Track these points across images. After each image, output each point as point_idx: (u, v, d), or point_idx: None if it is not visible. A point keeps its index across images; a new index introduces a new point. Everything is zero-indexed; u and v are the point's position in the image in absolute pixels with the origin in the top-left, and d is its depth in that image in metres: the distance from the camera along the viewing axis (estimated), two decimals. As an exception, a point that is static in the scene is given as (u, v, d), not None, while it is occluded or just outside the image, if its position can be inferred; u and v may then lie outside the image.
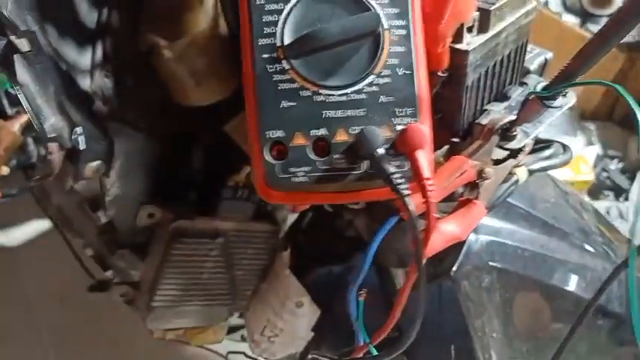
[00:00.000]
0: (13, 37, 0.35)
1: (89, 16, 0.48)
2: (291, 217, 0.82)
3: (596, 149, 1.82)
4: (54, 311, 1.22)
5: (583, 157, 1.65)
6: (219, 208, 0.68)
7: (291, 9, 0.35)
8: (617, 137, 1.91)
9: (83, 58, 0.47)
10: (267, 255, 0.77)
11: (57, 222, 0.66)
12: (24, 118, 1.21)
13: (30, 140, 1.24)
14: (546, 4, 2.22)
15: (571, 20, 2.17)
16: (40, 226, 1.28)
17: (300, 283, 0.76)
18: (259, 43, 0.35)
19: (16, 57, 0.35)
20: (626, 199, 1.76)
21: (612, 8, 2.16)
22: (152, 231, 0.67)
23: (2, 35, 0.35)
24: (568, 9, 2.27)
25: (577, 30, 2.06)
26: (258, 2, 0.35)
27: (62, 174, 0.42)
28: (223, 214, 0.68)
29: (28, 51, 0.34)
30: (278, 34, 0.35)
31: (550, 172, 0.63)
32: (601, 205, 1.73)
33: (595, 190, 1.76)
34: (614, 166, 1.83)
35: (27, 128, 1.19)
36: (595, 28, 2.10)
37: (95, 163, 0.41)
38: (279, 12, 0.35)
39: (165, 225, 0.66)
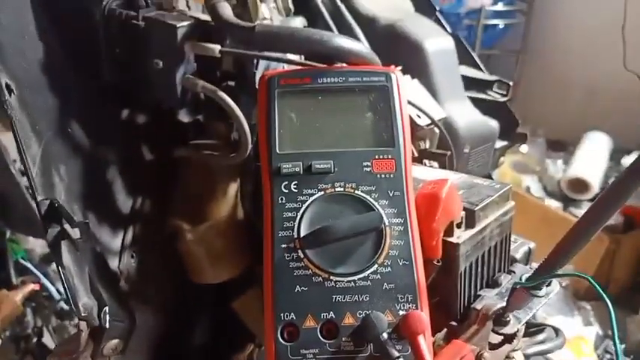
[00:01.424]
0: (67, 226, 0.40)
1: (125, 204, 0.55)
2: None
3: (596, 329, 1.80)
4: None
5: (583, 337, 1.63)
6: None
7: (307, 207, 0.42)
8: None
9: (115, 241, 0.52)
10: None
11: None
12: (28, 289, 1.21)
13: (29, 310, 1.23)
14: (528, 189, 2.40)
15: (553, 204, 2.32)
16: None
17: None
18: (279, 235, 0.41)
19: (64, 243, 0.40)
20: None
21: (591, 194, 2.34)
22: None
23: (57, 224, 0.41)
24: (549, 194, 2.45)
25: (560, 213, 2.20)
26: (279, 202, 0.42)
27: (79, 351, 0.44)
28: (224, 393, 0.67)
29: (78, 239, 0.40)
30: (295, 228, 0.41)
31: (550, 355, 0.64)
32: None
33: (601, 375, 1.69)
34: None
35: (28, 298, 1.18)
36: (577, 211, 2.24)
37: (115, 342, 0.43)
38: (297, 210, 0.41)
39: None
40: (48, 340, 1.19)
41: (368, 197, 0.42)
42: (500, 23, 2.86)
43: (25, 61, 0.44)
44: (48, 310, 1.19)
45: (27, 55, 0.45)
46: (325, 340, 0.38)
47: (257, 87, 0.47)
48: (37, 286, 1.13)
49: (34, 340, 1.17)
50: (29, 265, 1.22)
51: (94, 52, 0.51)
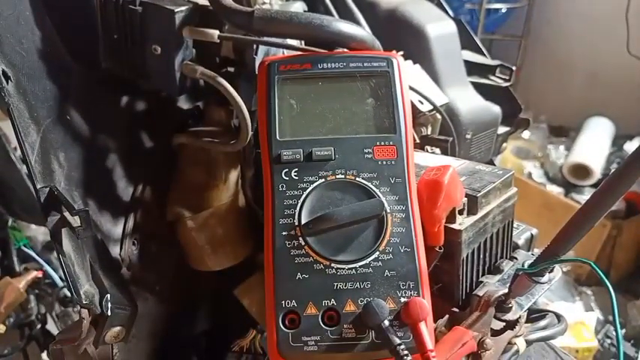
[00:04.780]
0: (66, 214, 0.40)
1: (125, 192, 0.55)
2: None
3: (597, 314, 1.81)
4: None
5: (584, 322, 1.64)
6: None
7: (307, 194, 0.41)
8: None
9: (116, 229, 0.52)
10: None
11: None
12: (31, 276, 1.22)
13: (32, 298, 1.24)
14: (529, 175, 2.40)
15: (555, 190, 2.32)
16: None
17: None
18: (280, 223, 0.41)
19: (64, 231, 0.40)
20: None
21: (593, 180, 2.33)
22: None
23: (57, 212, 0.40)
24: (551, 180, 2.44)
25: (561, 199, 2.19)
26: (280, 190, 0.41)
27: (81, 338, 0.44)
28: (226, 379, 0.67)
29: (78, 226, 0.39)
30: (296, 215, 0.41)
31: (551, 340, 0.64)
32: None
33: (601, 359, 1.71)
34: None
35: (31, 286, 1.19)
36: (579, 197, 2.24)
37: (117, 329, 0.43)
38: (298, 197, 0.41)
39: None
40: (52, 327, 1.20)
41: (369, 184, 0.42)
42: (503, 7, 2.83)
43: (21, 48, 0.44)
44: (51, 297, 1.20)
45: (23, 42, 0.44)
46: (326, 327, 0.38)
47: (257, 73, 0.47)
48: (39, 274, 1.14)
49: (38, 326, 1.18)
50: (32, 253, 1.23)
51: (92, 39, 0.50)
